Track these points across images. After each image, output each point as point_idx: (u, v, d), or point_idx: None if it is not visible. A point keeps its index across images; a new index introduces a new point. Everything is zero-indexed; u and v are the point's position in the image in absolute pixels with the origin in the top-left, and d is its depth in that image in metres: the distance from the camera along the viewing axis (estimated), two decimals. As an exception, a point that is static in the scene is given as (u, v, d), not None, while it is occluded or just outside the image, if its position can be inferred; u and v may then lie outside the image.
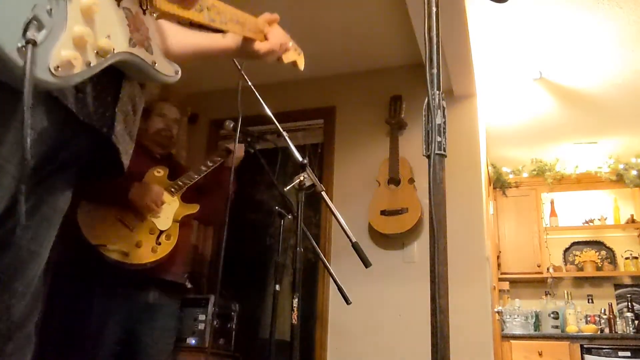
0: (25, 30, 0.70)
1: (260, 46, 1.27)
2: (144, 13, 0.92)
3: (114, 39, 0.84)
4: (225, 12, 1.15)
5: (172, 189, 2.53)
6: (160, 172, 2.57)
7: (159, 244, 2.37)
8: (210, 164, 2.66)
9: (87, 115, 0.89)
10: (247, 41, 1.26)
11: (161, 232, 2.40)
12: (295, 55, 1.47)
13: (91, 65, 0.80)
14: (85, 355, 2.20)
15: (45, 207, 0.93)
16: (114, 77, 0.94)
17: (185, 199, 2.59)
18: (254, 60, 1.31)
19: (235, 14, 1.19)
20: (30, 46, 0.69)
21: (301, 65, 1.52)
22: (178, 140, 2.87)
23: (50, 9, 0.74)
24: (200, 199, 2.68)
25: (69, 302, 2.26)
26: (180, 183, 2.56)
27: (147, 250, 2.33)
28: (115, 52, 0.84)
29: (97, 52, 0.81)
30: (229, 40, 1.26)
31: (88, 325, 2.23)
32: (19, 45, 0.69)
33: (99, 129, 0.92)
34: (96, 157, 0.99)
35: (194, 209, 2.59)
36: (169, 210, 2.47)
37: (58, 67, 0.74)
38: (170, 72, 0.98)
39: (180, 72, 1.00)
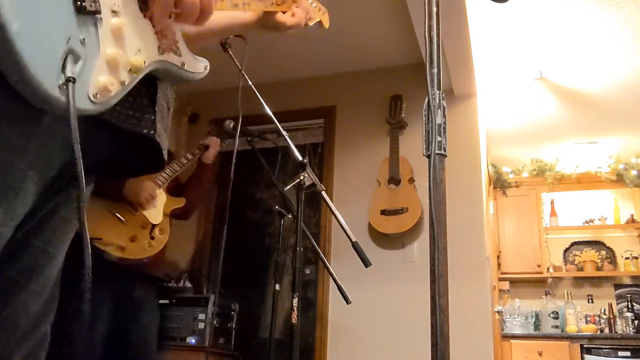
0: (63, 66, 0.71)
1: (284, 18, 1.22)
2: (170, 17, 0.92)
3: (144, 52, 0.85)
4: None
5: (159, 182, 2.53)
6: None
7: (153, 238, 2.37)
8: (190, 157, 2.68)
9: (123, 120, 0.90)
10: (269, 14, 1.22)
11: (153, 226, 2.40)
12: (319, 15, 1.43)
13: (126, 83, 0.81)
14: (74, 351, 2.19)
15: (63, 210, 0.93)
16: (147, 80, 0.94)
17: (169, 192, 2.59)
18: (277, 32, 1.26)
19: None
20: (71, 85, 0.70)
21: (326, 23, 1.48)
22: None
23: (84, 39, 0.74)
24: (179, 194, 2.69)
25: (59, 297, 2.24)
26: (165, 175, 2.55)
27: (143, 245, 2.32)
28: (146, 64, 0.85)
29: (129, 70, 0.82)
30: (249, 15, 1.23)
31: (79, 323, 2.22)
32: (59, 82, 0.70)
33: (136, 130, 0.93)
34: (131, 156, 1.00)
35: (180, 203, 2.60)
36: (159, 204, 2.47)
37: (97, 94, 0.76)
38: (199, 69, 1.00)
39: (208, 67, 1.01)
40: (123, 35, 0.81)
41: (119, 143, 0.96)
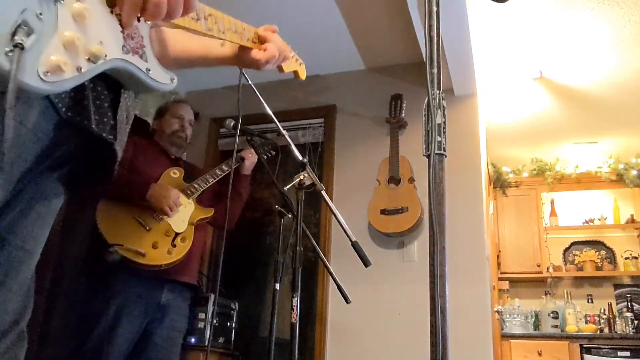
0: (13, 35, 0.69)
1: (258, 55, 1.25)
2: (138, 20, 0.91)
3: (106, 45, 0.83)
4: (223, 21, 1.13)
5: (189, 192, 2.55)
6: (176, 174, 2.59)
7: (175, 246, 2.39)
8: (226, 169, 2.69)
9: (87, 119, 0.88)
10: (244, 50, 1.25)
11: (176, 234, 2.42)
12: (296, 65, 1.47)
13: (82, 70, 0.79)
14: (99, 352, 2.21)
15: (39, 205, 0.93)
16: (111, 86, 0.93)
17: (201, 202, 2.61)
18: (253, 69, 1.30)
19: (233, 23, 1.17)
20: (17, 50, 0.68)
21: (302, 75, 1.52)
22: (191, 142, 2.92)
23: (40, 13, 0.72)
24: (216, 203, 2.71)
25: (86, 300, 2.29)
26: (197, 186, 2.58)
27: (163, 252, 2.35)
28: (107, 58, 0.83)
29: (88, 58, 0.80)
30: (226, 49, 1.25)
31: (103, 322, 2.24)
32: (7, 49, 0.68)
33: (98, 133, 0.91)
34: (86, 162, 0.98)
35: (209, 212, 2.61)
36: (185, 213, 2.49)
37: (47, 72, 0.73)
38: (165, 79, 0.97)
39: (175, 80, 0.99)
40: (85, 21, 0.79)
41: (83, 145, 0.94)
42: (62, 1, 0.76)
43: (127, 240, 2.25)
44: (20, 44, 0.69)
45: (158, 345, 2.39)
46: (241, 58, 1.26)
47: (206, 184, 2.61)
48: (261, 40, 1.27)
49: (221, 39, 1.16)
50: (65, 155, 0.93)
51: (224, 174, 2.68)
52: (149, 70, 0.93)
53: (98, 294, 2.28)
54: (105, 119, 0.93)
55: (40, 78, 0.73)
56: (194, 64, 1.24)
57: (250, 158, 2.78)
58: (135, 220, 2.34)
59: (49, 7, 0.74)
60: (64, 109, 0.85)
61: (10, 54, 0.68)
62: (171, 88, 0.98)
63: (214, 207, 2.67)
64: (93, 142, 0.93)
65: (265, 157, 2.71)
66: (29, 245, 0.92)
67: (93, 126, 0.90)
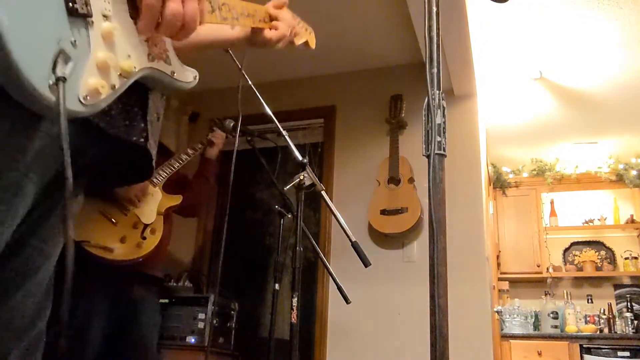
0: (54, 66, 0.71)
1: (270, 34, 1.25)
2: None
3: (134, 57, 0.86)
4: (235, 7, 1.14)
5: (154, 180, 2.47)
6: None
7: (144, 238, 2.32)
8: (191, 152, 2.63)
9: (113, 126, 0.90)
10: (256, 31, 1.25)
11: (146, 226, 2.35)
12: (306, 35, 1.44)
13: (116, 87, 0.82)
14: (71, 354, 2.18)
15: (59, 210, 0.94)
16: (138, 89, 0.95)
17: (168, 190, 2.53)
18: (265, 48, 1.29)
19: (245, 7, 1.18)
20: (61, 84, 0.70)
21: (312, 44, 1.48)
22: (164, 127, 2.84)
23: (75, 40, 0.75)
24: (181, 190, 2.64)
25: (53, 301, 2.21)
26: (162, 173, 2.50)
27: (132, 246, 2.27)
28: (136, 70, 0.86)
29: (120, 74, 0.82)
30: (237, 31, 1.25)
31: (72, 323, 2.20)
32: (50, 82, 0.70)
33: (126, 138, 0.93)
34: (120, 163, 1.01)
35: (176, 200, 2.54)
36: (153, 203, 2.41)
37: (87, 96, 0.76)
38: (188, 78, 1.01)
39: (197, 77, 1.02)
40: (113, 39, 0.81)
41: (109, 150, 0.96)
42: (91, 24, 0.78)
43: (93, 236, 2.17)
44: (63, 77, 0.71)
45: (134, 341, 2.35)
46: (253, 39, 1.26)
47: (172, 169, 2.54)
48: (272, 19, 1.27)
49: (236, 25, 1.17)
50: (89, 163, 0.95)
51: (190, 158, 2.62)
52: (174, 73, 0.97)
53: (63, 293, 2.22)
54: (135, 123, 0.95)
55: (81, 102, 0.75)
56: (204, 48, 1.24)
57: (217, 142, 2.72)
58: (101, 214, 2.25)
59: (80, 33, 0.76)
60: (91, 117, 0.86)
61: (54, 87, 0.70)
62: (193, 85, 1.01)
63: (179, 194, 2.59)
64: (125, 145, 0.95)
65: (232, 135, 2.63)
66: (47, 247, 0.93)
67: (121, 132, 0.92)
